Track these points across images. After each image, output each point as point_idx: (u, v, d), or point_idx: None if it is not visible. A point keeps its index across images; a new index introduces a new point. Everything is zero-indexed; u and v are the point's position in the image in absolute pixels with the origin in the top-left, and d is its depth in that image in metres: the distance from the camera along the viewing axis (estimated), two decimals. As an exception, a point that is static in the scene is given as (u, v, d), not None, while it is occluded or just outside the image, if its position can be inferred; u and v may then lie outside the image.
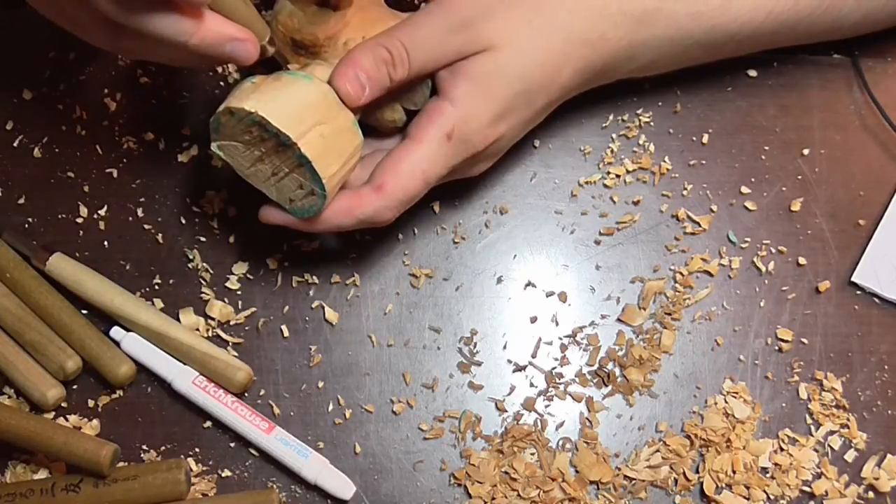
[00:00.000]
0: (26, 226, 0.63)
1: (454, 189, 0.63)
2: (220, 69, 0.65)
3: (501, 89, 0.54)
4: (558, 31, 0.54)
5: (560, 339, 0.61)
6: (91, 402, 0.60)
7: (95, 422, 0.60)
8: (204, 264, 0.62)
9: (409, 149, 0.53)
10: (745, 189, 0.63)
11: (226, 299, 0.61)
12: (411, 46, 0.52)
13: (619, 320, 0.61)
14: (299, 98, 0.51)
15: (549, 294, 0.62)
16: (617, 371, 0.60)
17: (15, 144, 0.64)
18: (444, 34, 0.53)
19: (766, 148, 0.64)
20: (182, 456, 0.59)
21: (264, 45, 0.54)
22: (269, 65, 0.56)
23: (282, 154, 0.51)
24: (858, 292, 0.62)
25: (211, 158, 0.63)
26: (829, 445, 0.59)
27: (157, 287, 0.62)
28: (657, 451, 0.59)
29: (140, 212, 0.63)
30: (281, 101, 0.51)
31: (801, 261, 0.62)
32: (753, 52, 0.63)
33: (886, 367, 0.61)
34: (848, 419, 0.60)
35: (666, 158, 0.64)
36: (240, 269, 0.62)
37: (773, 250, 0.62)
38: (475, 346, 0.61)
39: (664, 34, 0.57)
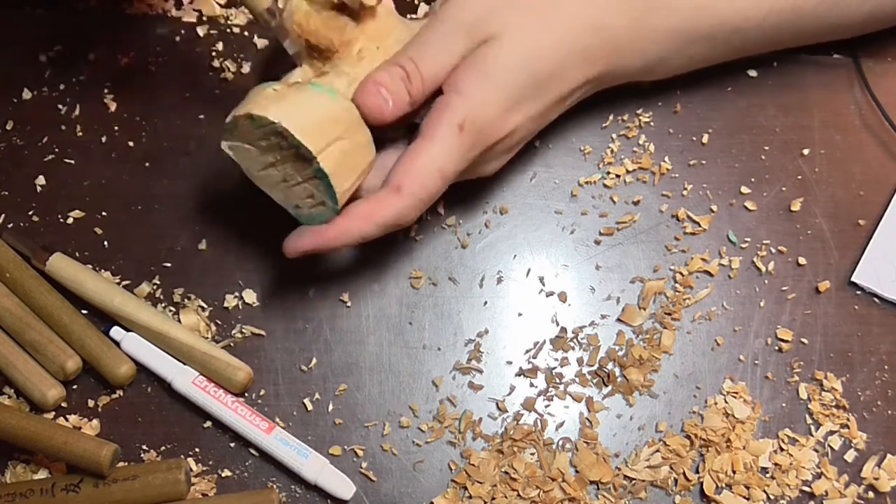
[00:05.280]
0: (26, 226, 0.63)
1: (454, 189, 0.63)
2: (216, 64, 0.65)
3: (508, 76, 0.54)
4: (562, 20, 0.54)
5: (560, 339, 0.61)
6: (91, 402, 0.60)
7: (95, 422, 0.60)
8: (204, 264, 0.62)
9: (422, 146, 0.53)
10: (745, 189, 0.63)
11: (226, 299, 0.61)
12: (419, 58, 0.53)
13: (619, 320, 0.61)
14: (323, 112, 0.51)
15: (549, 294, 0.62)
16: (617, 371, 0.60)
17: (15, 144, 0.64)
18: (450, 40, 0.53)
19: (766, 148, 0.64)
20: (182, 456, 0.59)
21: (263, 12, 0.54)
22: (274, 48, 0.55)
23: (298, 164, 0.51)
24: (858, 292, 0.62)
25: (211, 159, 0.63)
26: (829, 445, 0.59)
27: (157, 287, 0.62)
28: (657, 451, 0.59)
29: (140, 212, 0.63)
30: (304, 113, 0.51)
31: (801, 261, 0.62)
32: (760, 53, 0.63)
33: (886, 367, 0.61)
34: (848, 419, 0.60)
35: (666, 158, 0.64)
36: (240, 269, 0.62)
37: (773, 250, 0.62)
38: (475, 347, 0.61)
39: (669, 25, 0.57)
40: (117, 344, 0.60)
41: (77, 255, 0.62)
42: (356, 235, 0.53)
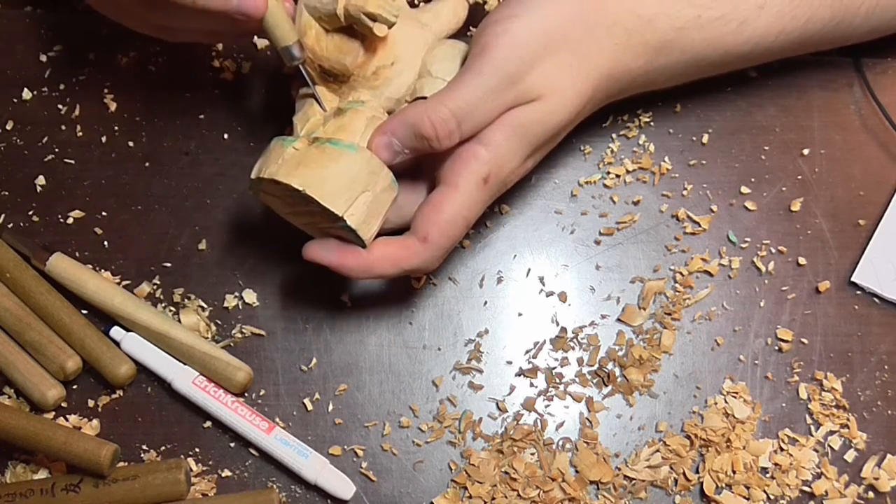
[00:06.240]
0: (26, 226, 0.63)
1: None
2: (216, 64, 0.65)
3: (539, 134, 0.54)
4: (592, 71, 0.54)
5: (560, 339, 0.61)
6: (91, 402, 0.60)
7: (95, 422, 0.60)
8: (204, 264, 0.62)
9: (447, 196, 0.53)
10: (745, 189, 0.63)
11: (226, 300, 0.61)
12: (462, 115, 0.52)
13: (619, 320, 0.61)
14: (345, 172, 0.51)
15: (549, 294, 0.62)
16: (617, 371, 0.60)
17: (15, 144, 0.64)
18: (495, 95, 0.52)
19: (766, 148, 0.64)
20: (182, 456, 0.59)
21: (290, 47, 0.53)
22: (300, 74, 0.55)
23: (325, 215, 0.52)
24: (858, 292, 0.62)
25: (211, 160, 0.63)
26: (829, 445, 0.59)
27: (157, 287, 0.62)
28: (657, 451, 0.59)
29: (140, 212, 0.63)
30: (328, 177, 0.51)
31: (801, 261, 0.62)
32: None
33: (886, 367, 0.61)
34: (848, 419, 0.60)
35: (666, 158, 0.64)
36: (240, 269, 0.62)
37: (773, 250, 0.62)
38: (476, 347, 0.61)
39: (681, 59, 0.57)
40: (117, 344, 0.60)
41: (77, 255, 0.62)
42: (376, 274, 0.53)
